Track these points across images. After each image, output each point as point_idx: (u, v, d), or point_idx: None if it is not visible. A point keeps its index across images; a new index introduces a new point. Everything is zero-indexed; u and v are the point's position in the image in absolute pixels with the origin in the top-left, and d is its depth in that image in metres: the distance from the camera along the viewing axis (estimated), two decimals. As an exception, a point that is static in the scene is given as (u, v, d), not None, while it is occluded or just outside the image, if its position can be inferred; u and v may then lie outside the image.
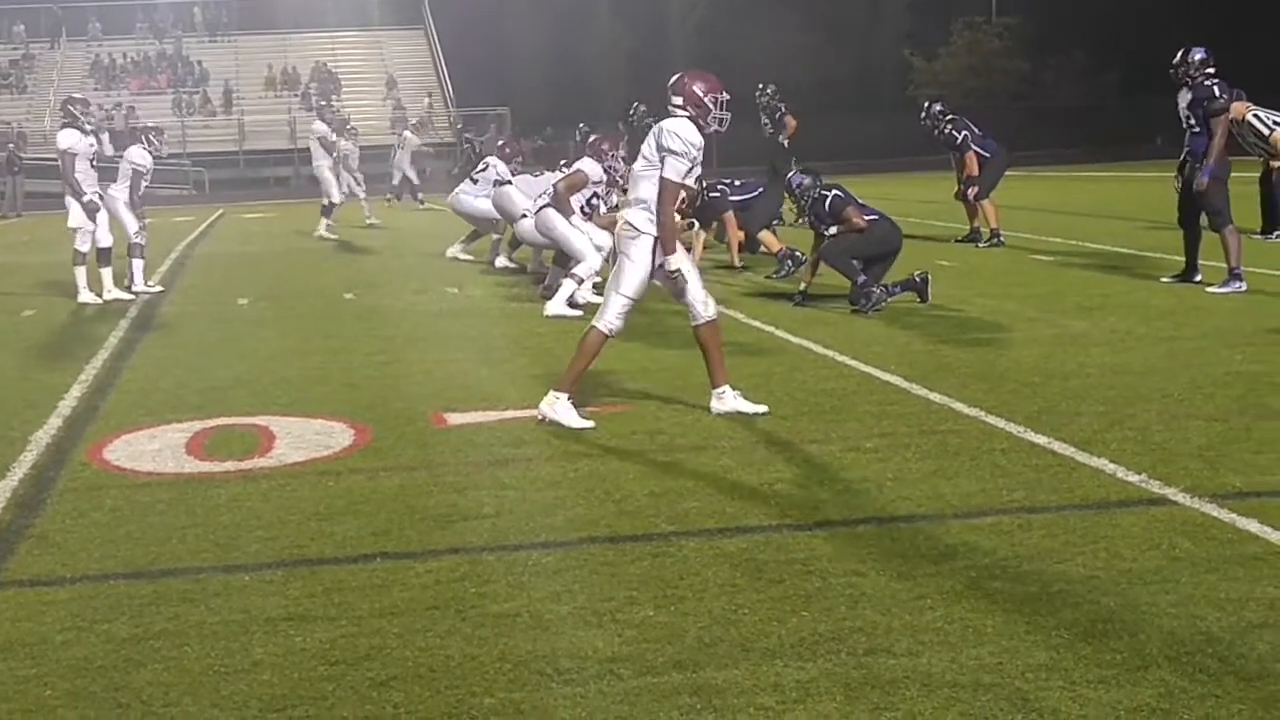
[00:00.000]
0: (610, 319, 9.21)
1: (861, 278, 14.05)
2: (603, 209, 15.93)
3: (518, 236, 18.08)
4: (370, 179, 32.62)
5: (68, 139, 16.85)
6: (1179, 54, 15.58)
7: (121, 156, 17.93)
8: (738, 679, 4.89)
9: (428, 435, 9.08)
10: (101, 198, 17.11)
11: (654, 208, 9.14)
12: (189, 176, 53.71)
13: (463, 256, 21.42)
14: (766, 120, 24.83)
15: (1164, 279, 15.68)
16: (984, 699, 4.67)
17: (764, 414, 9.22)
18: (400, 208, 36.48)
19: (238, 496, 7.61)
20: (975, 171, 21.29)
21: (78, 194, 16.77)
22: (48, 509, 7.50)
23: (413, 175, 38.19)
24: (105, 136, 18.06)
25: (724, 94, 9.51)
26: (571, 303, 14.63)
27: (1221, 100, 15.06)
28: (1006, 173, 22.56)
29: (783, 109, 25.10)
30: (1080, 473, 7.58)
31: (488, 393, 10.41)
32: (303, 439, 9.01)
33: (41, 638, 5.52)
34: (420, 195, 37.30)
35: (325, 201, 27.46)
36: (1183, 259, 15.68)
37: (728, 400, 9.36)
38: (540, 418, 9.15)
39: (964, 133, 21.64)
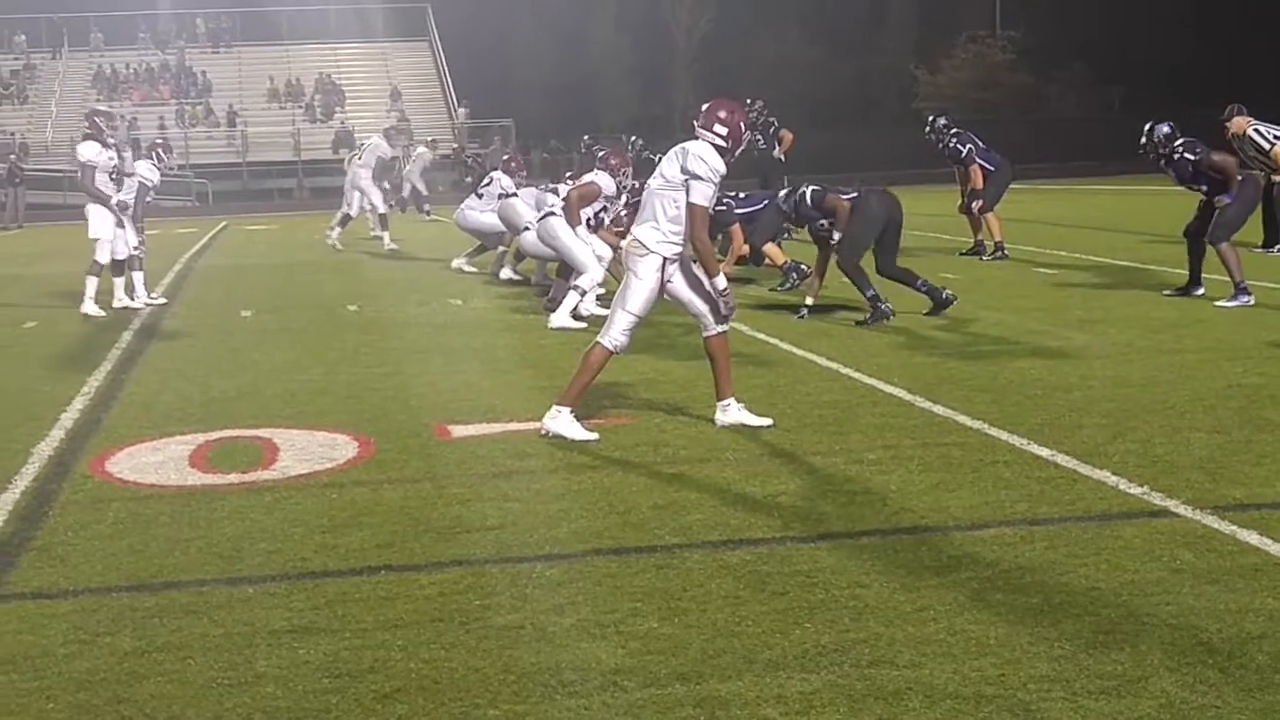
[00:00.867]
0: (615, 335, 9.22)
1: (870, 291, 14.08)
2: (607, 223, 15.95)
3: (521, 249, 18.11)
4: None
5: (88, 151, 16.90)
6: (1144, 133, 15.67)
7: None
8: (741, 691, 4.90)
9: (431, 447, 9.09)
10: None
11: (664, 227, 9.15)
12: (192, 188, 53.73)
13: (467, 269, 21.45)
14: (759, 136, 24.88)
15: (1166, 292, 15.70)
16: (986, 710, 4.68)
17: (768, 426, 9.23)
18: (405, 219, 36.53)
19: (241, 509, 7.61)
20: (980, 184, 21.32)
21: (103, 200, 16.86)
22: (50, 521, 7.51)
23: (422, 187, 38.26)
24: (129, 153, 18.17)
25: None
26: (575, 314, 14.64)
27: (1201, 159, 15.19)
28: (1011, 186, 22.60)
29: (775, 123, 25.18)
30: (1082, 485, 7.59)
31: (491, 405, 10.42)
32: (306, 451, 9.02)
33: (44, 651, 5.52)
34: (427, 207, 37.36)
35: (344, 211, 27.61)
36: (1185, 272, 15.71)
37: (732, 412, 9.38)
38: (544, 431, 9.16)
39: (969, 146, 21.68)
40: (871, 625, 5.48)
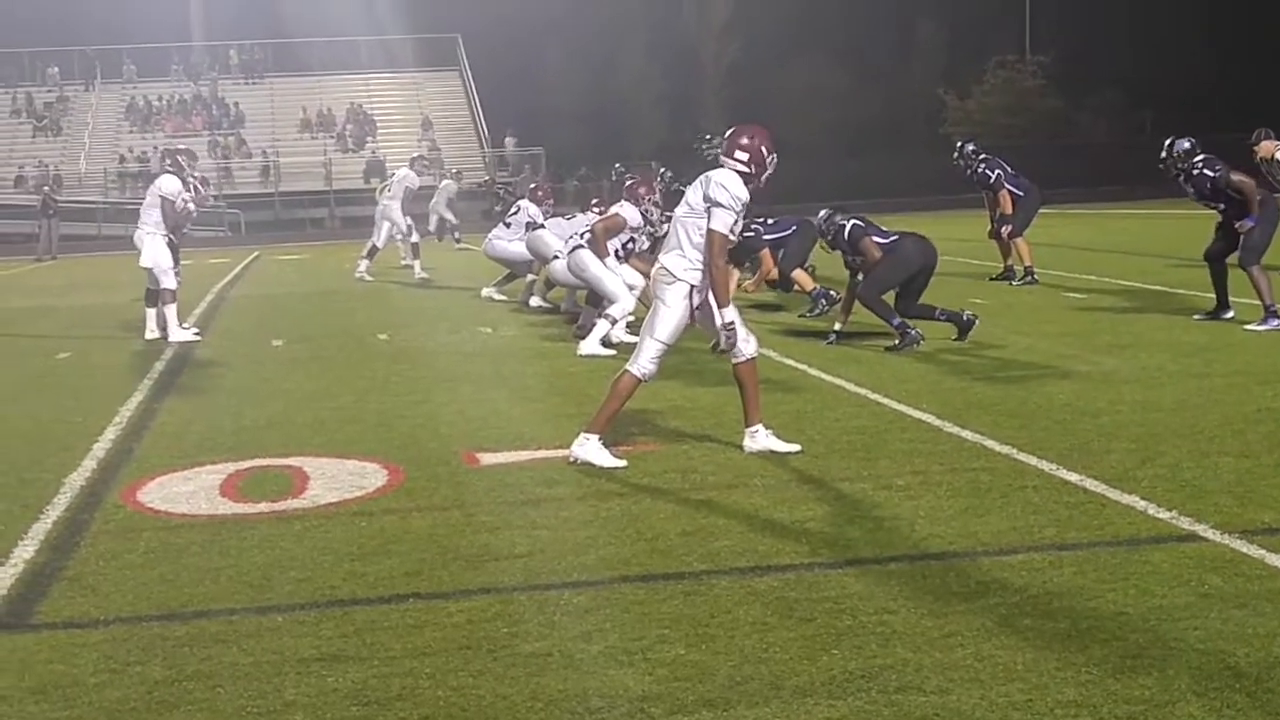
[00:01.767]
0: (644, 363, 9.24)
1: (896, 320, 14.09)
2: (637, 251, 15.97)
3: (551, 278, 18.16)
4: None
5: (171, 185, 17.32)
6: (1165, 148, 15.70)
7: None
8: (768, 717, 4.91)
9: (460, 475, 9.12)
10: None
11: (690, 254, 9.18)
12: (224, 218, 53.97)
13: (497, 296, 21.51)
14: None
15: (1196, 317, 15.67)
16: (1014, 736, 4.69)
17: (797, 452, 9.23)
18: (437, 248, 36.63)
19: (271, 537, 7.64)
20: (1009, 210, 21.29)
21: (175, 233, 17.44)
22: (81, 551, 7.55)
23: (450, 216, 38.35)
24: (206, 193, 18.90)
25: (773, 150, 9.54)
26: (605, 342, 14.67)
27: (1220, 175, 15.18)
28: (1040, 210, 22.59)
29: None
30: (1111, 509, 7.58)
31: (520, 432, 10.44)
32: (336, 479, 9.06)
33: (75, 680, 5.55)
34: (458, 235, 37.44)
35: (372, 243, 27.72)
36: (1213, 296, 15.68)
37: (760, 439, 9.39)
38: (572, 459, 9.18)
39: (997, 171, 21.67)
40: (899, 651, 5.48)
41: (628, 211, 15.59)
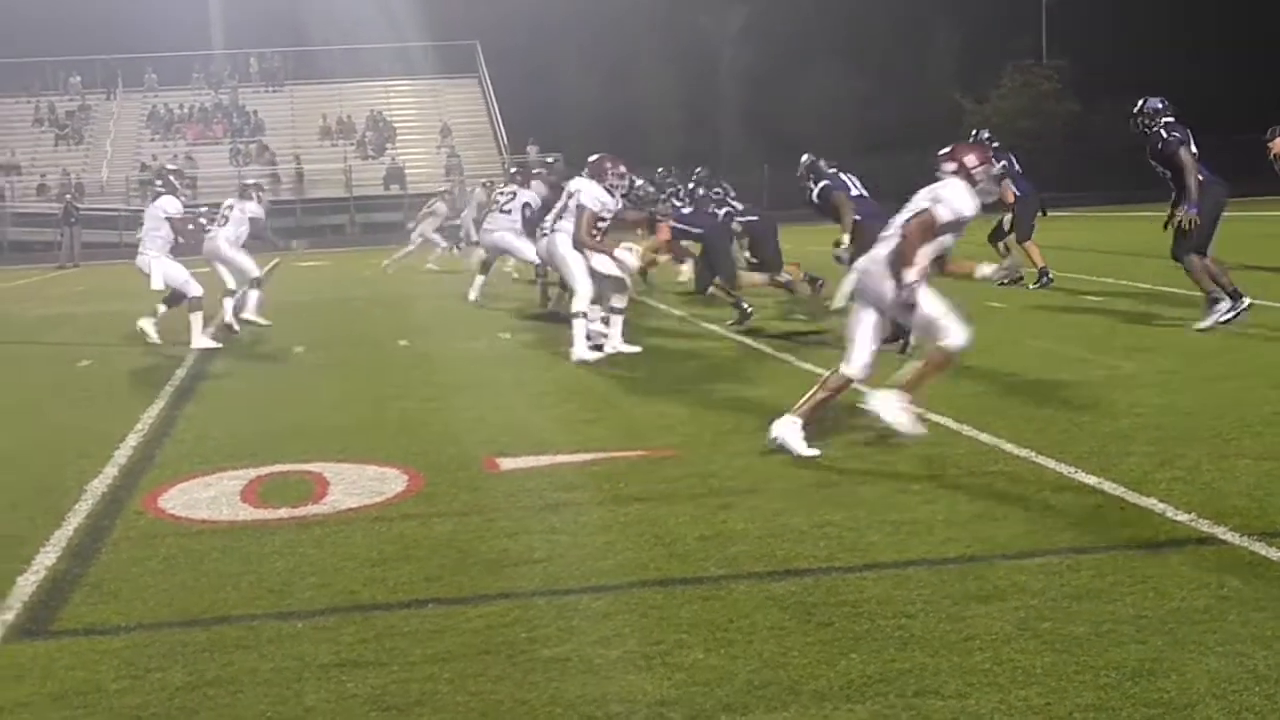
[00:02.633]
0: (856, 363, 9.48)
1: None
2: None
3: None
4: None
5: (172, 205, 17.54)
6: (1138, 105, 15.62)
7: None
8: (786, 721, 4.92)
9: (480, 480, 9.13)
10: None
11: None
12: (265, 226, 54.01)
13: (474, 295, 21.75)
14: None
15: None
16: (1032, 739, 4.69)
17: (816, 457, 9.24)
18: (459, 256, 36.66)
19: (291, 543, 7.66)
20: (1010, 199, 21.35)
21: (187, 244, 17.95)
22: (102, 557, 7.57)
23: (473, 229, 38.45)
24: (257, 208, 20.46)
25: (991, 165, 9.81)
26: (592, 343, 14.68)
27: (1172, 140, 15.11)
28: (1050, 214, 22.69)
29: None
30: (1130, 512, 7.57)
31: (540, 438, 10.45)
32: (356, 485, 9.07)
33: (96, 686, 5.56)
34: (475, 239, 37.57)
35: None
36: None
37: (889, 403, 9.53)
38: (771, 438, 9.39)
39: (1003, 162, 21.82)
40: (917, 655, 5.48)
41: (586, 199, 15.13)
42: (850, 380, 9.51)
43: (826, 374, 9.75)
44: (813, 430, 9.49)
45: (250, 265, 20.09)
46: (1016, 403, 11.01)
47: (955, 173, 9.59)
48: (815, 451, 9.33)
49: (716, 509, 8.00)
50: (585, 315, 14.93)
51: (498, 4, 70.83)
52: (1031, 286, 20.85)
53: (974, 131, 23.09)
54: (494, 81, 66.64)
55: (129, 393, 13.85)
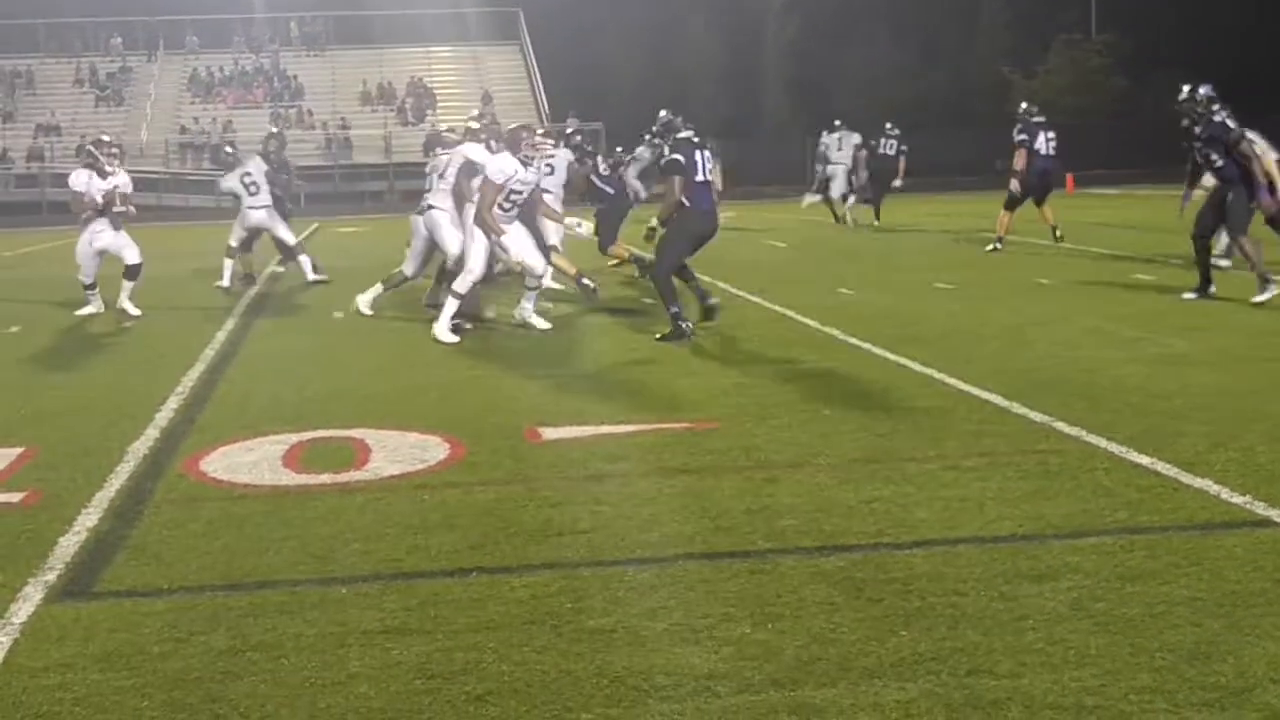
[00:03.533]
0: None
1: (674, 308, 13.89)
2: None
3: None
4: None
5: (76, 180, 17.90)
6: (1185, 90, 15.68)
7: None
8: (837, 698, 4.84)
9: (522, 450, 9.08)
10: None
11: None
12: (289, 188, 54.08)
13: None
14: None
15: (1185, 295, 15.73)
16: (1087, 721, 4.61)
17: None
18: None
19: (334, 509, 7.62)
20: (1022, 165, 22.22)
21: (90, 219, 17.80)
22: (145, 520, 7.54)
23: None
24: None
25: None
26: (456, 324, 14.58)
27: (1235, 132, 15.21)
28: (1100, 191, 23.24)
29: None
30: (1183, 494, 7.47)
31: (582, 408, 10.39)
32: (398, 452, 9.03)
33: (139, 648, 5.53)
34: None
35: None
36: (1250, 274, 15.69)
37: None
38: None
39: (1023, 135, 22.83)
40: (969, 634, 5.40)
41: (491, 170, 14.59)
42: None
43: None
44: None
45: (286, 234, 20.28)
46: (1067, 381, 10.89)
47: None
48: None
49: (762, 482, 7.93)
50: (462, 296, 14.66)
51: (541, -29, 70.75)
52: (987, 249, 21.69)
53: (1024, 106, 23.59)
54: (536, 49, 66.52)
55: (170, 356, 13.81)
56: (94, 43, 67.11)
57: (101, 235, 17.68)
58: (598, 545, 6.82)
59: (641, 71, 75.63)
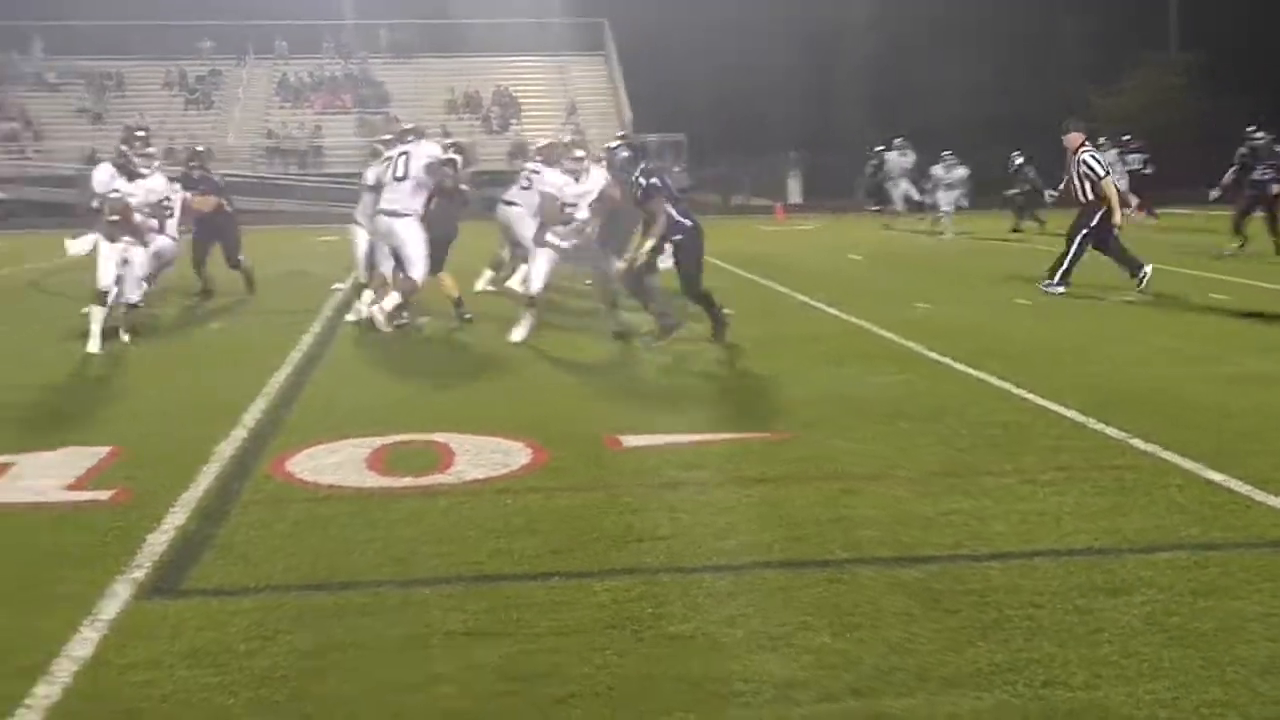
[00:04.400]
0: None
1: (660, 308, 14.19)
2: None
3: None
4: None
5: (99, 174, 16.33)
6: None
7: None
8: (915, 708, 4.90)
9: (603, 456, 9.16)
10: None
11: None
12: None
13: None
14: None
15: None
16: (1161, 734, 4.66)
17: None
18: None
19: (417, 512, 7.73)
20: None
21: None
22: (232, 520, 7.67)
23: None
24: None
25: None
26: (390, 315, 14.92)
27: None
28: (1182, 211, 23.20)
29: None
30: (1256, 511, 7.48)
31: (661, 416, 10.47)
32: (480, 456, 9.13)
33: (225, 646, 5.64)
34: None
35: None
36: None
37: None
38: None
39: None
40: (1045, 646, 5.45)
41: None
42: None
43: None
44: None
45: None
46: (1143, 397, 10.88)
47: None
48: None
49: (839, 493, 7.98)
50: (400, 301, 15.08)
51: (628, -16, 70.87)
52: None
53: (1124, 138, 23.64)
54: (621, 59, 66.65)
55: (257, 358, 13.98)
56: (184, 46, 67.67)
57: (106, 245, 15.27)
58: (677, 552, 6.90)
59: (722, 84, 75.59)
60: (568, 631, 5.71)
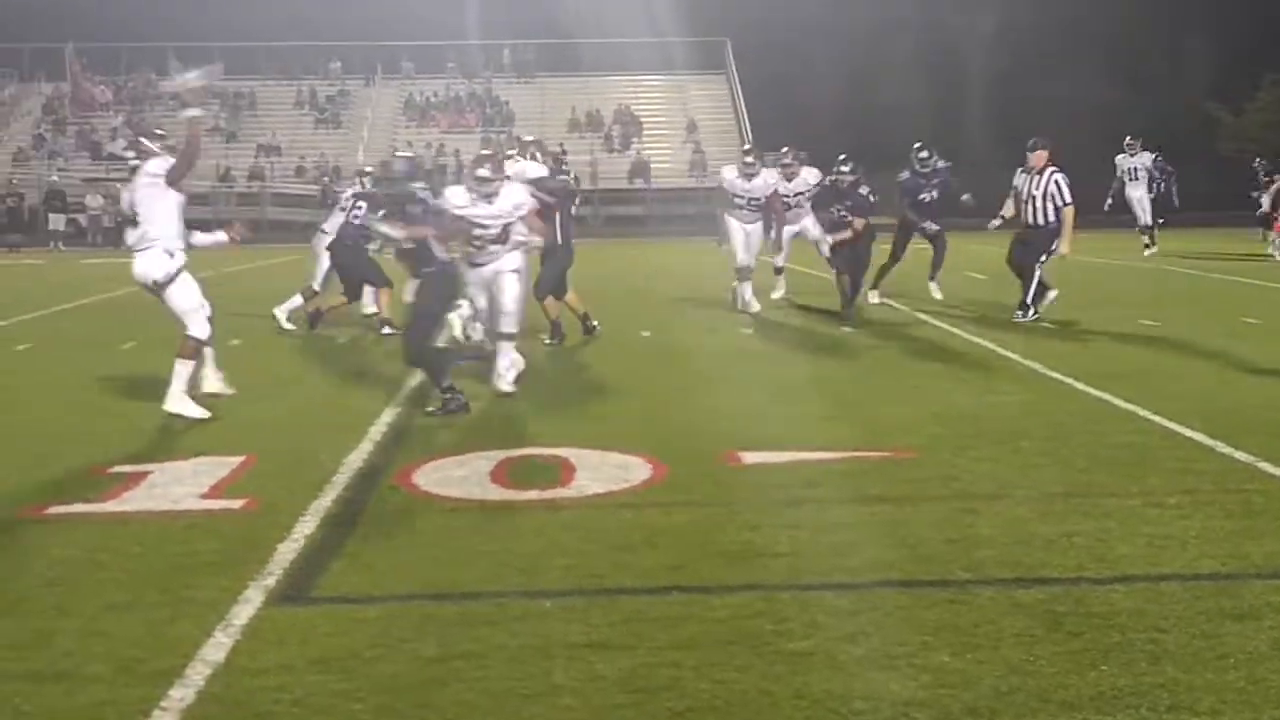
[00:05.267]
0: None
1: (446, 381, 11.73)
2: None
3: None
4: (663, 220, 33.15)
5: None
6: None
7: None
8: (1034, 729, 4.88)
9: (722, 473, 9.18)
10: None
11: None
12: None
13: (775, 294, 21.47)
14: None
15: None
16: (1288, 761, 4.61)
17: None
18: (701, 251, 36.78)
19: (540, 525, 7.79)
20: None
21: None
22: (359, 530, 7.78)
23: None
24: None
25: None
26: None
27: None
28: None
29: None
30: (1389, 538, 7.37)
31: (781, 434, 10.47)
32: (601, 471, 9.19)
33: (352, 653, 5.73)
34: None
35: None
36: None
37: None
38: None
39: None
40: (1170, 670, 5.40)
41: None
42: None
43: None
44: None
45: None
46: (1272, 421, 10.71)
47: None
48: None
49: (961, 513, 7.95)
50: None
51: (750, 2, 70.83)
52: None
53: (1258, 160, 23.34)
54: (741, 80, 66.71)
55: (384, 370, 14.12)
56: (314, 66, 68.77)
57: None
58: (796, 569, 6.90)
59: (843, 101, 75.38)
60: (687, 646, 5.73)
